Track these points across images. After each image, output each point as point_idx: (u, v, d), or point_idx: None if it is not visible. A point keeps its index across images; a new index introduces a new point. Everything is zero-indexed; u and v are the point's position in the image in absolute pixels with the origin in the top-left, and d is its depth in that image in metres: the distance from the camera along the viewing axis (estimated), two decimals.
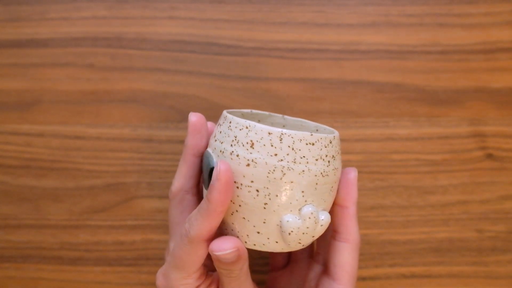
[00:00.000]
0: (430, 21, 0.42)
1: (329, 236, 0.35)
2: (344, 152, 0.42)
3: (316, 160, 0.29)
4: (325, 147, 0.29)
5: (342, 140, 0.42)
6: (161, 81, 0.42)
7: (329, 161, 0.30)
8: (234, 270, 0.30)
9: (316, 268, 0.36)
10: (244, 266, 0.30)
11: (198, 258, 0.30)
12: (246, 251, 0.29)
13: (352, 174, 0.32)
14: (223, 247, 0.28)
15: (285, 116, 0.36)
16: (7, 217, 0.42)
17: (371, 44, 0.42)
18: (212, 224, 0.29)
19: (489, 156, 0.42)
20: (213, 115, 0.42)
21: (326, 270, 0.33)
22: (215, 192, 0.28)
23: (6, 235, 0.42)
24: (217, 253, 0.28)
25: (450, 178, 0.42)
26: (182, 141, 0.42)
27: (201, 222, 0.29)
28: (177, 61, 0.42)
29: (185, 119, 0.42)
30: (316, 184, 0.29)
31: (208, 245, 0.29)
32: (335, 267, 0.32)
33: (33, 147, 0.42)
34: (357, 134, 0.42)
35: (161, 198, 0.42)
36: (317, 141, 0.29)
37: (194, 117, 0.33)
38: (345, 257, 0.32)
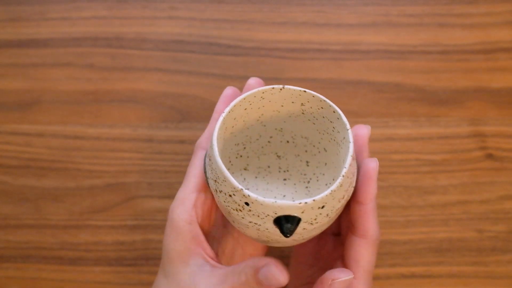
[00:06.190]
0: (430, 21, 0.42)
1: (347, 229, 0.34)
2: None
3: None
4: None
5: None
6: (161, 81, 0.42)
7: None
8: None
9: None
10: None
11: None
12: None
13: (371, 165, 0.30)
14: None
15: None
16: (7, 217, 0.42)
17: (371, 44, 0.42)
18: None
19: (489, 156, 0.42)
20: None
21: (343, 260, 0.33)
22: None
23: (6, 235, 0.42)
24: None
25: (450, 178, 0.42)
26: (182, 141, 0.42)
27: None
28: (177, 61, 0.42)
29: (185, 119, 0.42)
30: None
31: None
32: (349, 260, 0.32)
33: (33, 147, 0.42)
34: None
35: (161, 198, 0.42)
36: None
37: (230, 90, 0.34)
38: (361, 252, 0.31)
